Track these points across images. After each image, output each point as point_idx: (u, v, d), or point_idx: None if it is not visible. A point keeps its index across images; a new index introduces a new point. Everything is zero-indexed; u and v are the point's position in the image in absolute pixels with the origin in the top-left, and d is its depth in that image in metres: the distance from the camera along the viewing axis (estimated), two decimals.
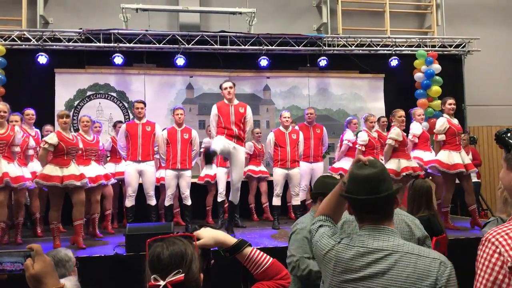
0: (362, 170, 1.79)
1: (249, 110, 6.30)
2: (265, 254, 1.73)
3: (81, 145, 5.92)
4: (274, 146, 7.15)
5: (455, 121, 6.67)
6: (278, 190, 7.09)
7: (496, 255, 1.36)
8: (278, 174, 7.08)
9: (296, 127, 7.56)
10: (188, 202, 6.79)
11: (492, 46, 10.19)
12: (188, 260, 1.46)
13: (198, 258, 1.51)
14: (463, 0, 10.53)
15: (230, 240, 1.71)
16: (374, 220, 1.77)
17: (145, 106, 6.89)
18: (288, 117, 7.29)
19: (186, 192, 6.78)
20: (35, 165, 6.38)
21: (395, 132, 6.56)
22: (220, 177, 7.14)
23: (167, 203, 6.84)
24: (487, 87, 10.28)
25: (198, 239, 1.63)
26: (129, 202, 6.66)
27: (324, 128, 7.73)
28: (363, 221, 1.80)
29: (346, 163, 7.49)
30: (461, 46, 9.84)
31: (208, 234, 1.67)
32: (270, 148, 7.24)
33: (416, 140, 6.96)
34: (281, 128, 7.30)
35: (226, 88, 6.21)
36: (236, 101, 6.26)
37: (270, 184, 7.89)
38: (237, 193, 6.14)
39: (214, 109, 6.21)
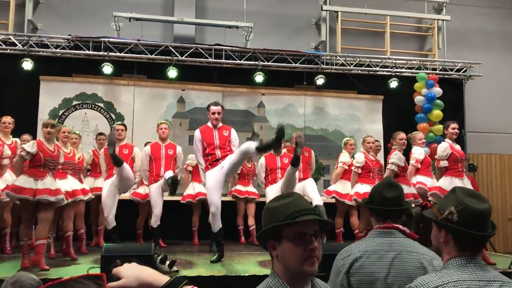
0: (477, 203, 1.66)
1: (233, 132, 5.99)
2: None
3: (62, 160, 5.47)
4: (265, 171, 6.82)
5: (457, 147, 6.32)
6: None
7: None
8: (273, 192, 6.50)
9: (284, 150, 7.20)
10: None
11: (494, 72, 9.95)
12: None
13: None
14: (464, 24, 10.31)
15: (160, 279, 1.30)
16: (474, 250, 1.66)
17: (126, 129, 6.75)
18: None
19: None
20: (8, 176, 5.91)
21: (397, 156, 6.20)
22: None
23: (155, 223, 6.24)
24: (487, 113, 9.99)
25: (118, 278, 1.25)
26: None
27: (312, 152, 7.33)
28: (463, 251, 1.65)
29: (340, 186, 7.13)
30: (462, 71, 9.58)
31: (130, 273, 1.28)
32: (262, 174, 6.89)
33: (419, 166, 6.59)
34: (272, 152, 6.97)
35: (214, 113, 5.85)
36: (220, 124, 5.94)
37: (259, 207, 7.47)
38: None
39: (198, 135, 5.85)
